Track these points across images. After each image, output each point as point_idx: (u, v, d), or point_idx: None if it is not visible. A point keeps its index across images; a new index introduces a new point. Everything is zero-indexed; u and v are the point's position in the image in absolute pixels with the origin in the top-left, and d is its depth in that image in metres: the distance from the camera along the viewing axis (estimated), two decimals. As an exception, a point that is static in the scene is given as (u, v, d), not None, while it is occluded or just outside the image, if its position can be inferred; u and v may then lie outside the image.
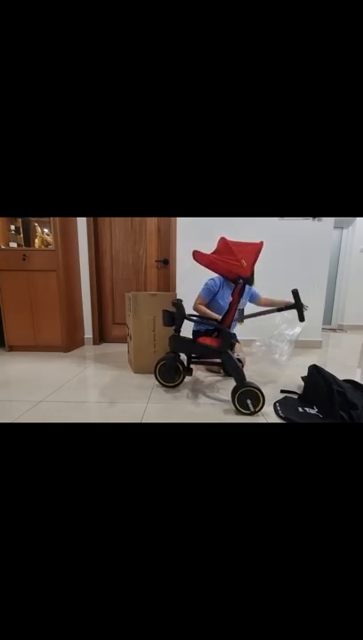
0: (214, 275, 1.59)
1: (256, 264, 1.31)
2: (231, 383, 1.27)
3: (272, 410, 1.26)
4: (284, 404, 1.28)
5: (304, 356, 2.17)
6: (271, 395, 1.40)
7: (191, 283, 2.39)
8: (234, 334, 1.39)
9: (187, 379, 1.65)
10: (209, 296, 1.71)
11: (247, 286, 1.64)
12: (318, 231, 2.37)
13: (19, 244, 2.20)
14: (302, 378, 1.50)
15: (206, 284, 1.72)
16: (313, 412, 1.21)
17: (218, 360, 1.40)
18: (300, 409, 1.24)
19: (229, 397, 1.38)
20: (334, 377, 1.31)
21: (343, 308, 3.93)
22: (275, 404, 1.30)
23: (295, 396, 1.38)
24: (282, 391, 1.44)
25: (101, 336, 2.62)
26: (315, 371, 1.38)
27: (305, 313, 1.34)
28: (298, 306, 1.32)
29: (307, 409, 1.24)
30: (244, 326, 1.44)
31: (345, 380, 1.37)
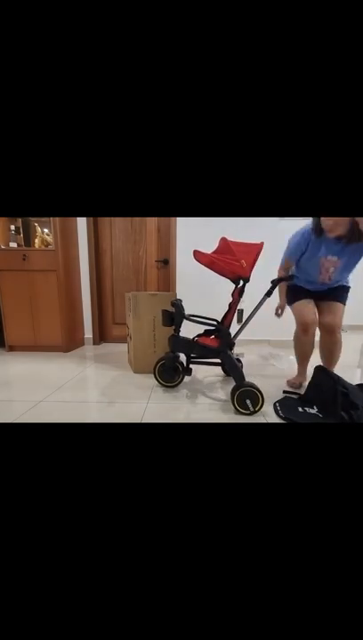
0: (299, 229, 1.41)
1: (256, 264, 1.31)
2: (231, 383, 1.27)
3: (272, 410, 1.26)
4: (284, 404, 1.29)
5: (304, 356, 2.16)
6: (273, 395, 1.40)
7: (191, 283, 2.41)
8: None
9: (186, 378, 1.65)
10: (296, 254, 1.42)
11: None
12: (318, 231, 2.37)
13: (19, 244, 2.20)
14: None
15: (291, 239, 1.46)
16: (313, 411, 1.21)
17: (217, 360, 1.40)
18: (300, 409, 1.24)
19: (228, 397, 1.38)
20: (338, 377, 1.31)
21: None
22: (275, 404, 1.30)
23: (296, 397, 1.38)
24: (284, 392, 1.44)
25: (101, 336, 2.63)
26: (320, 371, 1.38)
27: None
28: (282, 278, 1.39)
29: (307, 409, 1.24)
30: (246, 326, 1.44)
31: (358, 385, 1.36)
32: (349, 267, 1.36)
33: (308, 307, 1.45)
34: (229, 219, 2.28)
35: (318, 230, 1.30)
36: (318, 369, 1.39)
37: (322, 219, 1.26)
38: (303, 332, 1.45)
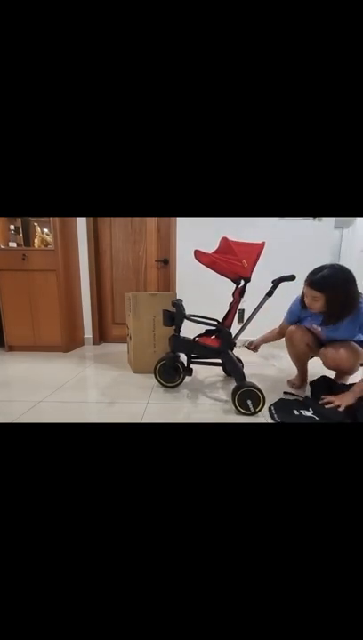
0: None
1: (257, 264, 1.31)
2: (231, 383, 1.27)
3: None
4: (279, 408, 1.25)
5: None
6: (274, 395, 1.39)
7: (191, 283, 2.40)
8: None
9: (187, 379, 1.65)
10: (292, 319, 1.48)
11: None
12: (318, 231, 2.37)
13: (18, 244, 2.20)
14: (311, 383, 1.45)
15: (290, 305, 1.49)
16: (309, 413, 1.20)
17: (218, 360, 1.40)
18: (295, 411, 1.22)
19: (229, 397, 1.38)
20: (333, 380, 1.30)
21: (343, 308, 3.92)
22: (270, 407, 1.26)
23: (292, 398, 1.35)
24: (285, 393, 1.42)
25: (101, 336, 2.62)
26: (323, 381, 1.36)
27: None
28: (283, 278, 1.37)
29: (302, 411, 1.22)
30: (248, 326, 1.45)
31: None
32: (337, 338, 1.32)
33: (296, 327, 1.45)
34: (229, 218, 2.28)
35: (302, 302, 1.32)
36: (322, 379, 1.37)
37: (305, 293, 1.26)
38: (288, 340, 1.49)
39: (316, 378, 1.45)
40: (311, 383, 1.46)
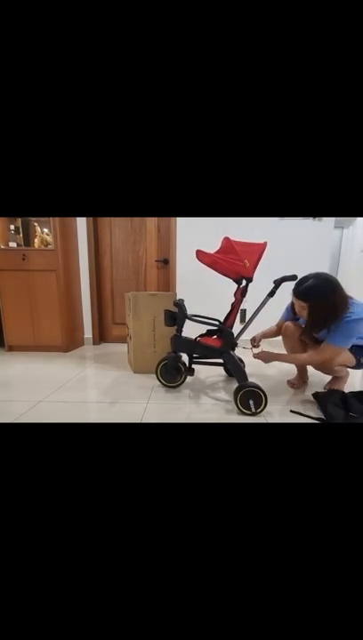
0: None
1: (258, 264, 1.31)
2: (233, 383, 1.26)
3: (274, 410, 1.25)
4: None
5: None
6: (275, 395, 1.39)
7: (191, 283, 2.40)
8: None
9: (188, 379, 1.65)
10: (287, 318, 1.52)
11: None
12: (319, 231, 2.37)
13: (18, 244, 2.20)
14: (315, 395, 1.34)
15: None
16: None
17: (219, 360, 1.40)
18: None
19: (230, 397, 1.38)
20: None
21: (343, 307, 3.91)
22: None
23: (307, 419, 1.20)
24: (292, 411, 1.26)
25: (101, 336, 2.62)
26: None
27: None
28: (285, 278, 1.34)
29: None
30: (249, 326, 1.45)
31: (353, 393, 1.29)
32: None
33: (291, 322, 1.48)
34: (229, 218, 2.28)
35: (293, 310, 1.36)
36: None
37: (294, 302, 1.29)
38: (283, 335, 1.52)
39: (322, 391, 1.39)
40: (318, 396, 1.35)
